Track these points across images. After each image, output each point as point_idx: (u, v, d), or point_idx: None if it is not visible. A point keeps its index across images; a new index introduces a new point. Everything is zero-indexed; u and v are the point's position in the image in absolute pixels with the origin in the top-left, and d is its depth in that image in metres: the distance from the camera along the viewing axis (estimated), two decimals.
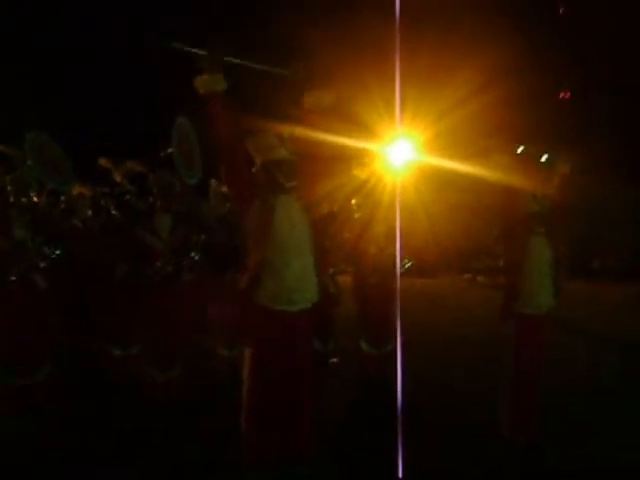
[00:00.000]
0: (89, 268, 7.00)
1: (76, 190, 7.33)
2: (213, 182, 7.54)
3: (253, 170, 4.46)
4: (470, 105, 18.51)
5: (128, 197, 6.97)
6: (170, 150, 6.58)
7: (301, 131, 4.48)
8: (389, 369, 6.33)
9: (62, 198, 7.64)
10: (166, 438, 5.70)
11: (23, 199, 6.18)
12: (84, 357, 7.22)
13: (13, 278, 5.94)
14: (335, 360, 7.54)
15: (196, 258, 6.45)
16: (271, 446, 4.24)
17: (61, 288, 6.63)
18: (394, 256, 7.09)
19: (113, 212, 7.07)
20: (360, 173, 7.39)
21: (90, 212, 7.51)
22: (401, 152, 6.84)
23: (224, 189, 7.51)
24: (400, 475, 4.57)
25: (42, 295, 6.15)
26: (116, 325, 7.07)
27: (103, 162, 7.26)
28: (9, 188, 6.23)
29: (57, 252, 6.16)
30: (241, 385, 4.36)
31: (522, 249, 5.75)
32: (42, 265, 6.11)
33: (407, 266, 7.40)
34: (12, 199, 6.19)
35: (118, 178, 7.06)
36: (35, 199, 6.73)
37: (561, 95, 32.02)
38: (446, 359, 8.83)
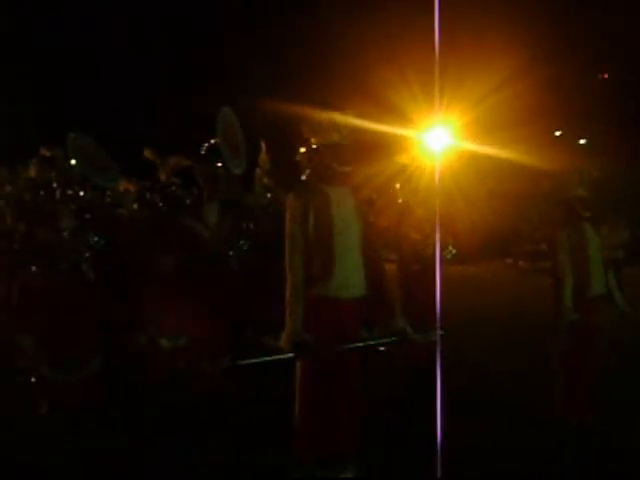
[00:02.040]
0: (135, 258, 7.03)
1: (122, 186, 7.36)
2: (258, 171, 7.53)
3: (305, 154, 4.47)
4: (507, 90, 18.35)
5: (173, 188, 6.96)
6: (215, 140, 6.59)
7: (349, 117, 4.46)
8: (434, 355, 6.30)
9: (108, 193, 7.71)
10: (215, 429, 5.73)
11: (69, 191, 6.23)
12: (131, 349, 7.26)
13: (61, 269, 6.01)
14: (383, 348, 7.50)
15: (245, 247, 6.45)
16: (323, 435, 4.24)
17: (108, 279, 6.68)
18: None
19: (160, 204, 7.04)
20: (401, 159, 7.35)
21: (135, 206, 7.56)
22: (440, 138, 6.79)
23: (265, 179, 7.53)
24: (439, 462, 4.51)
25: (90, 287, 6.21)
26: (163, 316, 7.04)
27: (148, 154, 7.26)
28: (54, 185, 6.31)
29: (102, 242, 6.19)
30: (290, 375, 4.38)
31: (569, 235, 5.72)
32: (87, 255, 6.16)
33: (451, 254, 7.34)
34: (58, 195, 6.26)
35: (164, 176, 7.06)
36: (81, 193, 6.79)
37: (600, 76, 31.57)
38: (492, 344, 8.79)
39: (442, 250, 7.23)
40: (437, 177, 4.80)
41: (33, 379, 6.75)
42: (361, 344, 4.28)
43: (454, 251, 7.29)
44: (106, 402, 6.10)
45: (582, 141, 31.11)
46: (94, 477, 5.02)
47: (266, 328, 6.98)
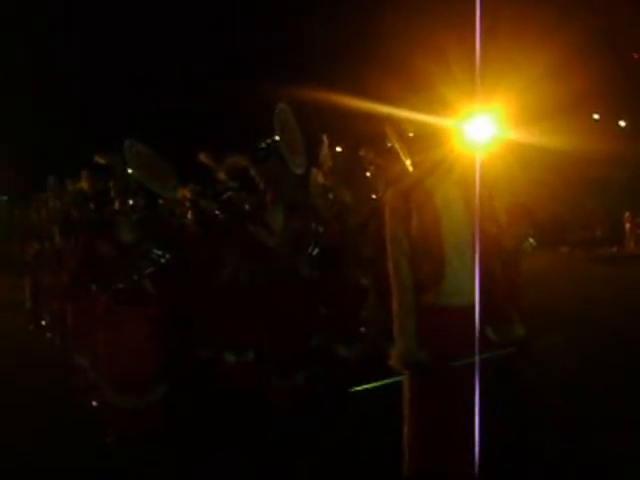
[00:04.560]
0: (196, 270, 6.64)
1: (179, 194, 7.01)
2: (314, 171, 7.10)
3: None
4: (547, 78, 17.84)
5: (230, 194, 6.58)
6: (273, 139, 6.21)
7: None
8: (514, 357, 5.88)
9: (160, 201, 7.36)
10: (289, 450, 5.23)
11: (130, 202, 5.86)
12: (195, 365, 6.85)
13: (121, 286, 5.61)
14: None
15: (314, 253, 5.99)
16: (436, 460, 3.77)
17: (169, 293, 6.30)
18: (518, 234, 6.64)
19: (216, 212, 6.65)
20: (466, 150, 6.92)
21: (190, 214, 7.21)
22: (485, 127, 6.48)
23: (320, 178, 7.11)
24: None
25: (152, 304, 5.80)
26: (228, 329, 6.60)
27: (203, 158, 6.90)
28: (112, 194, 5.95)
29: (167, 256, 5.77)
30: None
31: None
32: (150, 270, 5.75)
33: (532, 246, 6.89)
34: (117, 205, 5.89)
35: (222, 176, 6.68)
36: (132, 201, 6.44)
37: (636, 57, 30.78)
38: (570, 340, 8.26)
39: (522, 242, 6.82)
40: (478, 167, 4.27)
41: (94, 403, 6.42)
42: (477, 357, 3.75)
43: (535, 243, 6.84)
44: (170, 429, 5.67)
45: (622, 123, 30.36)
46: None
47: (336, 335, 6.57)
